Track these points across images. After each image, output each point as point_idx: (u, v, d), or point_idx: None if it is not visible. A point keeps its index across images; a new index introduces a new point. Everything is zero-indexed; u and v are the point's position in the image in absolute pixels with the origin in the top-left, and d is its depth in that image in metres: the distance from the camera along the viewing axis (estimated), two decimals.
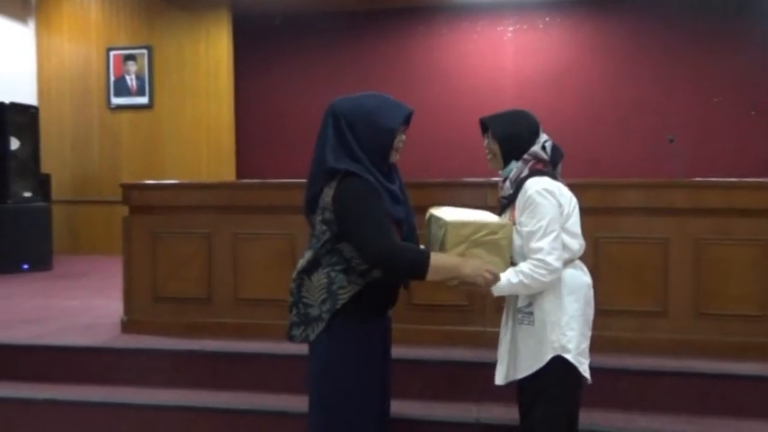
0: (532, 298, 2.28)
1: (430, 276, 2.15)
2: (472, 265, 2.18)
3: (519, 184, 2.29)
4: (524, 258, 2.25)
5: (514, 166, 2.33)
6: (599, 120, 7.51)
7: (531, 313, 2.28)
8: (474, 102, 7.55)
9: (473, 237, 2.19)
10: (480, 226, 2.21)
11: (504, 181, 2.37)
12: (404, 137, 2.26)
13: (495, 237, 2.21)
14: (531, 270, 2.20)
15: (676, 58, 7.42)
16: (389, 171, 2.28)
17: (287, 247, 3.92)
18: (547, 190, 2.23)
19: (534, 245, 2.21)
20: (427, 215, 2.43)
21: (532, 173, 2.29)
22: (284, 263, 3.89)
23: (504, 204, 2.39)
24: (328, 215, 2.22)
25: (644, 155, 7.28)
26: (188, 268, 4.06)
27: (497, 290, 2.22)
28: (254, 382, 3.63)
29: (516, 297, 2.33)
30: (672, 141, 5.67)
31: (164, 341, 3.90)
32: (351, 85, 7.54)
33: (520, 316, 2.30)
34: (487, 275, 2.18)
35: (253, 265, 3.98)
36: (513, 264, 2.28)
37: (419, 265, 2.14)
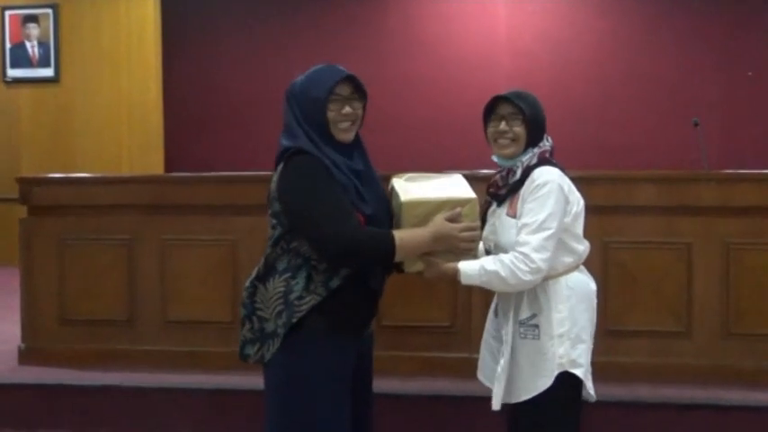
0: (536, 309, 2.38)
1: (398, 257, 2.26)
2: (443, 232, 2.28)
3: (526, 172, 2.40)
4: None
5: (530, 154, 2.44)
6: (610, 98, 7.59)
7: (536, 326, 2.38)
8: (460, 76, 7.58)
9: (432, 216, 2.30)
10: (440, 204, 2.32)
11: (508, 171, 2.47)
12: (349, 108, 2.28)
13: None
14: (511, 262, 2.30)
15: (703, 26, 7.52)
16: (349, 154, 2.32)
17: (228, 256, 3.91)
18: (557, 183, 2.35)
19: (522, 237, 2.32)
20: (390, 186, 2.50)
21: (542, 161, 2.41)
22: (225, 275, 3.89)
23: (501, 195, 2.47)
24: (276, 206, 2.28)
25: (663, 141, 7.37)
26: (104, 283, 4.03)
27: (467, 277, 2.33)
28: (190, 424, 3.61)
29: (513, 307, 2.41)
30: (696, 125, 5.76)
31: (73, 374, 3.87)
32: (311, 56, 7.49)
33: (522, 329, 2.40)
34: (466, 234, 2.30)
35: (186, 278, 3.97)
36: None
37: (385, 251, 2.24)
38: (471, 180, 3.63)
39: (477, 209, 2.37)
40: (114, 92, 7.87)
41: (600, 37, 7.67)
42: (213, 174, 4.28)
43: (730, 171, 4.05)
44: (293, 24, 7.95)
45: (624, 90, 7.59)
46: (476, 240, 2.36)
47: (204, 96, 8.11)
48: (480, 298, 3.53)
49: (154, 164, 7.76)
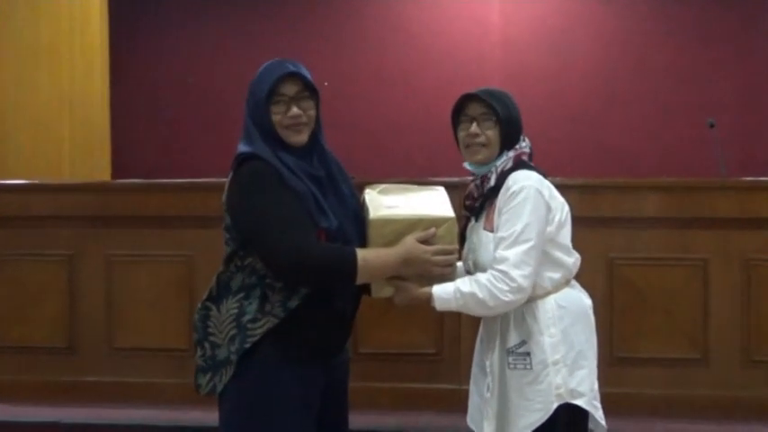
0: (526, 334, 2.37)
1: (361, 279, 2.24)
2: (412, 255, 2.26)
3: (501, 178, 2.40)
4: None
5: (504, 158, 2.44)
6: (615, 96, 7.63)
7: (527, 354, 2.37)
8: (446, 70, 7.60)
9: (403, 237, 2.29)
10: (411, 223, 2.31)
11: (483, 179, 2.47)
12: (296, 110, 2.26)
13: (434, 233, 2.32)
14: (488, 281, 2.30)
15: (719, 15, 7.58)
16: (308, 157, 2.32)
17: (184, 275, 3.91)
18: (535, 188, 2.35)
19: (499, 253, 2.32)
20: (362, 198, 2.49)
21: (518, 165, 2.41)
22: (180, 296, 3.88)
23: (477, 207, 2.47)
24: (227, 219, 2.30)
25: (675, 144, 7.42)
26: (41, 305, 4.01)
27: (441, 302, 2.33)
28: None
29: (499, 333, 2.41)
30: (712, 126, 5.81)
31: (5, 410, 3.84)
32: (278, 47, 7.50)
33: (511, 359, 2.39)
34: (439, 259, 2.28)
35: (136, 299, 3.96)
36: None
37: (343, 271, 2.21)
38: (459, 188, 3.66)
39: (456, 230, 2.36)
40: (54, 87, 7.81)
41: (603, 27, 7.73)
42: (167, 180, 4.27)
43: (751, 179, 4.09)
44: (259, 12, 7.94)
45: (631, 87, 7.63)
46: (451, 265, 2.36)
47: (157, 92, 8.08)
48: (470, 321, 3.52)
49: (99, 169, 7.71)
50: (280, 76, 2.26)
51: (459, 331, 3.72)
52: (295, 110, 2.27)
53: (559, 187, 2.46)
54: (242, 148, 2.30)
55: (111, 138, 7.86)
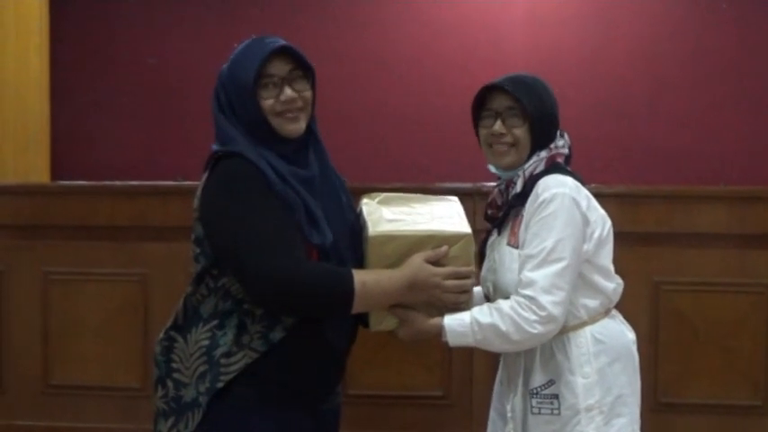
0: (554, 373, 2.38)
1: (358, 307, 2.23)
2: (420, 279, 2.26)
3: (530, 184, 2.40)
4: None
5: (534, 159, 2.44)
6: (664, 84, 7.63)
7: (555, 396, 2.37)
8: (459, 51, 7.60)
9: (408, 257, 2.28)
10: (419, 240, 2.30)
11: (507, 185, 2.48)
12: (290, 92, 2.26)
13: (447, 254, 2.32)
14: (512, 310, 2.29)
15: None
16: (301, 156, 2.33)
17: (137, 297, 3.92)
18: (570, 196, 2.35)
19: (525, 275, 2.32)
20: (359, 209, 2.51)
21: (551, 168, 2.41)
22: (133, 323, 3.90)
23: (499, 218, 2.48)
24: (198, 229, 2.29)
25: (740, 145, 7.43)
26: None
27: (455, 336, 2.32)
28: None
29: (522, 372, 2.42)
30: None
31: None
32: (259, 20, 7.50)
33: (535, 402, 2.40)
34: (451, 284, 2.28)
35: (77, 326, 3.96)
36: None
37: (338, 298, 2.21)
38: (475, 197, 3.66)
39: (473, 248, 2.36)
40: None
41: (654, 1, 7.74)
42: (119, 183, 4.27)
43: None
44: None
45: (684, 74, 7.63)
46: (467, 291, 2.35)
47: (109, 76, 8.09)
48: (485, 358, 3.55)
49: (35, 168, 7.72)
50: (268, 53, 2.26)
51: (472, 370, 3.72)
52: (289, 92, 2.27)
53: (595, 196, 2.47)
54: (216, 146, 2.31)
55: (50, 131, 7.86)
